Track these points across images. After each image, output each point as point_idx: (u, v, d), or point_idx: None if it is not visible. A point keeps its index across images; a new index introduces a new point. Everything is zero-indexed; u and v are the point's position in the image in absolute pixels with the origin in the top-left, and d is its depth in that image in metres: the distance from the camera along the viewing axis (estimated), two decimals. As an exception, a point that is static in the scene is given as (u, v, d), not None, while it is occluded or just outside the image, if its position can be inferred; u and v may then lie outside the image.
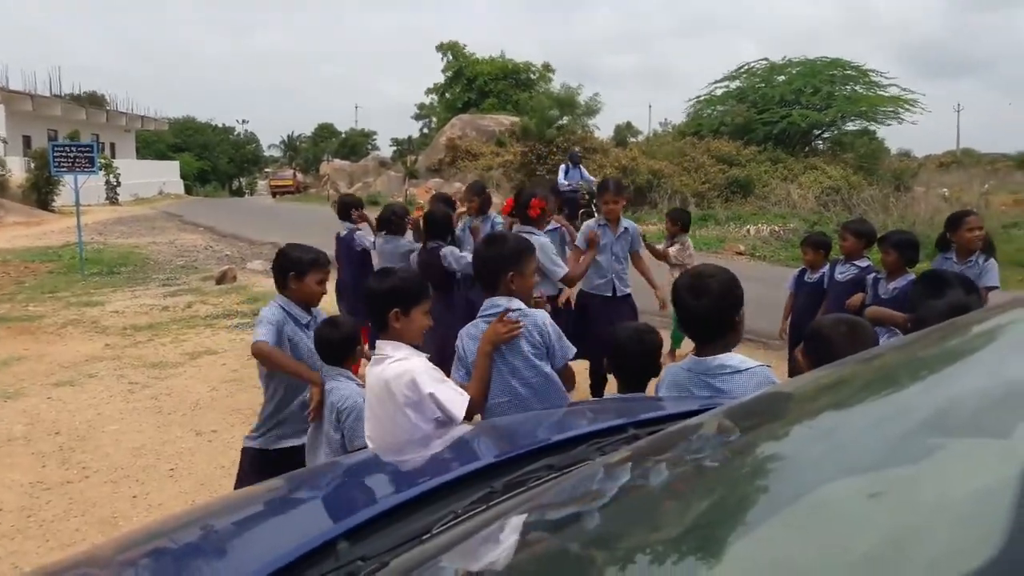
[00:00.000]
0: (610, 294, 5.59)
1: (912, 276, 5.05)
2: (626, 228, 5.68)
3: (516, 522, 1.23)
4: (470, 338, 3.04)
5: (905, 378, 1.37)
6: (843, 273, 5.44)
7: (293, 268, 3.58)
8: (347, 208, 6.92)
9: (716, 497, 1.13)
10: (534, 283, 3.14)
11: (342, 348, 3.42)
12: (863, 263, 5.39)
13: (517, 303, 3.01)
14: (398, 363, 2.68)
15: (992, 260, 4.98)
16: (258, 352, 3.43)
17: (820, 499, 0.98)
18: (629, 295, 5.71)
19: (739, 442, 1.33)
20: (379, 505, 1.47)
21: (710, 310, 2.42)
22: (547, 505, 1.29)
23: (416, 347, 2.79)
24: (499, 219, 6.38)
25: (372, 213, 7.05)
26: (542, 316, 3.00)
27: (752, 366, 2.39)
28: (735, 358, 2.41)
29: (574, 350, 3.03)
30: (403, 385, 2.62)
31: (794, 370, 2.57)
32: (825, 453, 1.14)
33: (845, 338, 2.21)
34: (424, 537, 1.35)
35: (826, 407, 1.37)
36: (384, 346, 2.74)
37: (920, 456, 1.03)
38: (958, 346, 1.42)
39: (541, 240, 4.96)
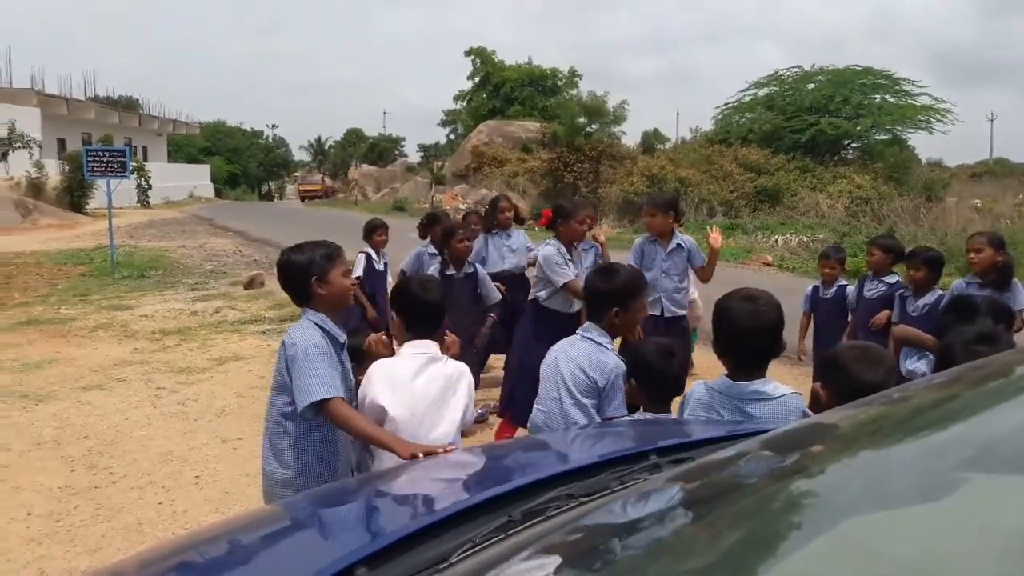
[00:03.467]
0: (658, 314, 5.35)
1: (940, 293, 4.97)
2: (679, 244, 5.46)
3: (543, 556, 1.23)
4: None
5: (940, 415, 1.35)
6: (872, 290, 5.37)
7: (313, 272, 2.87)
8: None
9: (749, 531, 1.13)
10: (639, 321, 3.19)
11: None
12: (891, 279, 5.31)
13: (606, 338, 3.06)
14: (453, 363, 2.90)
15: (1015, 281, 4.84)
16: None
17: (852, 533, 0.98)
18: (682, 317, 5.49)
19: (776, 474, 1.32)
20: (398, 531, 1.48)
21: (759, 338, 2.41)
22: (574, 536, 1.29)
23: None
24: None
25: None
26: (615, 362, 3.01)
27: (784, 393, 2.38)
28: (769, 384, 2.40)
29: (624, 411, 2.99)
30: (467, 382, 2.88)
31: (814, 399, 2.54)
32: (859, 488, 1.14)
33: (860, 362, 2.19)
34: (442, 566, 1.35)
35: (860, 443, 1.36)
36: (430, 345, 2.88)
37: (954, 492, 1.02)
38: (997, 385, 1.41)
39: (545, 251, 5.04)
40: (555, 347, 3.16)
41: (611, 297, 3.04)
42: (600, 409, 2.95)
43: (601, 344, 3.02)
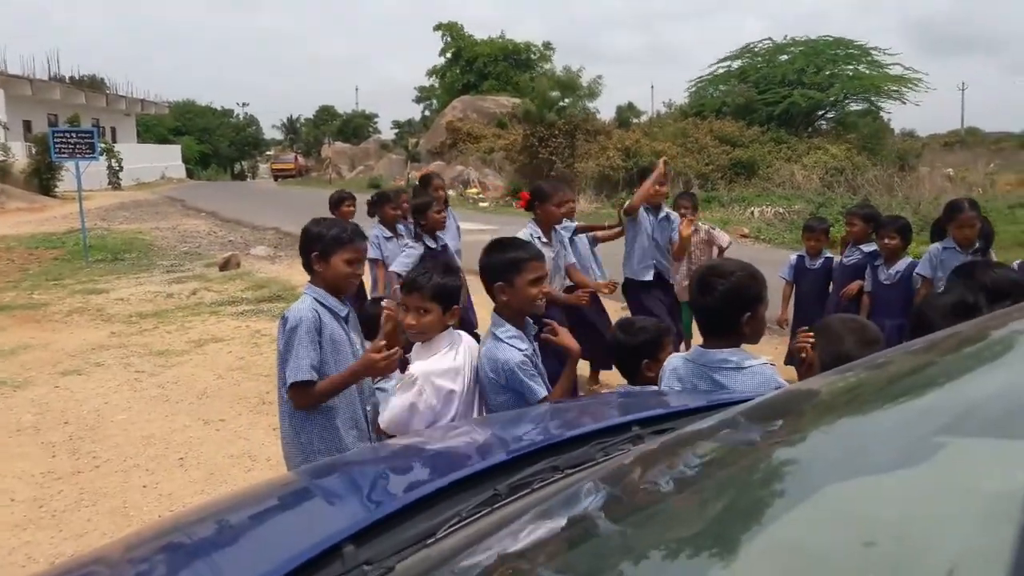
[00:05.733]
0: (650, 279, 5.54)
1: (911, 260, 5.07)
2: (667, 215, 5.61)
3: (533, 526, 1.24)
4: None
5: (919, 381, 1.38)
6: (848, 257, 5.47)
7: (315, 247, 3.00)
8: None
9: (731, 499, 1.15)
10: (535, 294, 2.81)
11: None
12: (869, 247, 5.39)
13: (505, 328, 2.80)
14: (467, 336, 2.90)
15: (991, 251, 4.94)
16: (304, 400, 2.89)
17: (833, 500, 1.01)
18: (672, 285, 5.65)
19: (756, 443, 1.35)
20: (384, 507, 1.49)
21: (713, 309, 2.43)
22: (561, 507, 1.31)
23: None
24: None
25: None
26: (506, 356, 2.72)
27: (754, 364, 2.40)
28: (739, 354, 2.42)
29: (543, 393, 2.75)
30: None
31: (793, 359, 2.58)
32: (839, 455, 1.16)
33: (853, 336, 2.26)
34: (429, 541, 1.37)
35: (840, 410, 1.38)
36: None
37: (933, 456, 1.05)
38: (972, 351, 1.44)
39: (520, 234, 4.83)
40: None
41: (491, 271, 2.82)
42: (523, 400, 2.76)
43: (498, 337, 2.78)
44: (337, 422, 2.93)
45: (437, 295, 2.74)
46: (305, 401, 2.87)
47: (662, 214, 5.60)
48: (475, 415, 2.77)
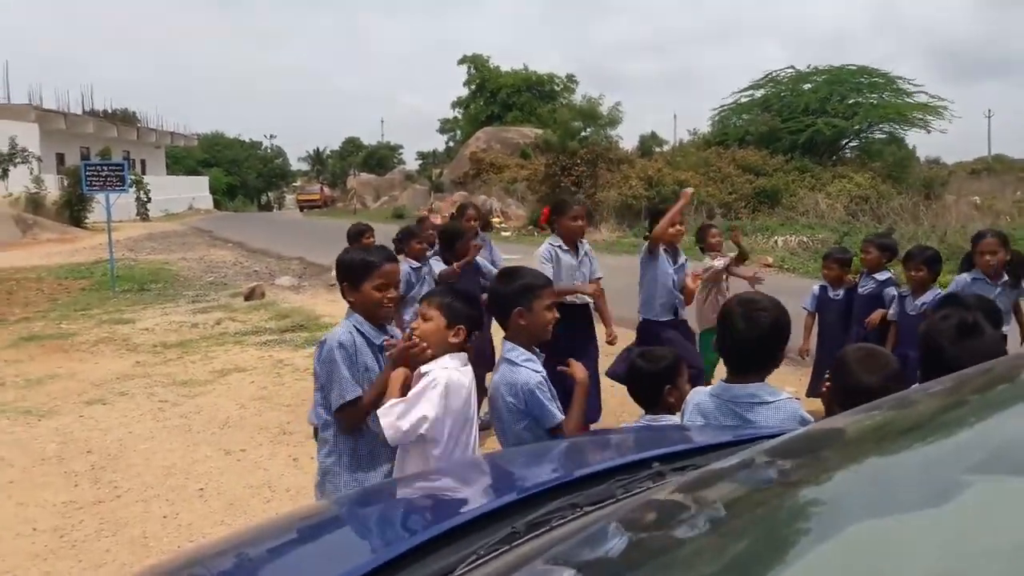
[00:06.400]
0: (670, 318, 5.39)
1: (939, 291, 5.01)
2: (683, 263, 5.54)
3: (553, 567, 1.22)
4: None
5: (946, 420, 1.35)
6: (864, 287, 5.44)
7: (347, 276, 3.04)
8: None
9: (755, 538, 1.13)
10: (551, 319, 2.88)
11: None
12: (882, 276, 5.35)
13: (519, 352, 2.83)
14: (470, 369, 2.85)
15: (1022, 283, 4.89)
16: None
17: (859, 539, 0.98)
18: (686, 320, 5.59)
19: (781, 481, 1.32)
20: (402, 544, 1.48)
21: (756, 341, 2.41)
22: (582, 546, 1.29)
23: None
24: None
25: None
26: (525, 378, 2.77)
27: (780, 398, 2.38)
28: (766, 388, 2.40)
29: (560, 416, 2.78)
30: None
31: (818, 393, 2.55)
32: (866, 494, 1.14)
33: (860, 365, 2.22)
34: (447, 580, 1.35)
35: (867, 448, 1.36)
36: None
37: (961, 497, 1.02)
38: (1000, 390, 1.40)
39: (539, 249, 5.18)
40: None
41: (510, 297, 2.85)
42: (540, 425, 2.79)
43: (513, 361, 2.82)
44: (365, 448, 2.90)
45: (442, 306, 2.78)
46: (355, 418, 2.82)
47: (681, 259, 5.47)
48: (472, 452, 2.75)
